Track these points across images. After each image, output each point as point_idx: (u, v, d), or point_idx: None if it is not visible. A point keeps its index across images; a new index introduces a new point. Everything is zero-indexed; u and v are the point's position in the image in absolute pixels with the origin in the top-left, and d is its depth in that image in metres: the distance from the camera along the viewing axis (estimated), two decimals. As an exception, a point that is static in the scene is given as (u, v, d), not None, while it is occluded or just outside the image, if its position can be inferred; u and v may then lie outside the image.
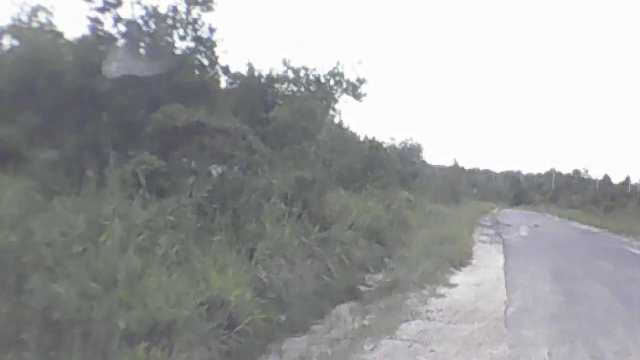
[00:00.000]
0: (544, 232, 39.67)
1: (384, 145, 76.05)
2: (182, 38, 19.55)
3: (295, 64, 30.46)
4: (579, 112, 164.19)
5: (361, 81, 30.66)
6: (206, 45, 19.36)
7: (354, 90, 30.26)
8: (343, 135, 48.44)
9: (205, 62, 19.92)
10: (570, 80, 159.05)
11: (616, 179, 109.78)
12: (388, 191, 41.92)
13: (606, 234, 43.46)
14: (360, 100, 31.05)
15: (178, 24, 19.04)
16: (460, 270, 19.89)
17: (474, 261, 22.36)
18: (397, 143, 62.95)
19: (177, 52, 19.60)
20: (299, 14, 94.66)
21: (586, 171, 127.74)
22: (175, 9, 19.24)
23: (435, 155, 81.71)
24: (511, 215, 68.24)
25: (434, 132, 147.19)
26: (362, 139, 53.25)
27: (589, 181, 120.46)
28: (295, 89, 30.17)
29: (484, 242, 30.34)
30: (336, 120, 50.14)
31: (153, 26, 18.77)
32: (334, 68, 29.95)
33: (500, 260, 23.35)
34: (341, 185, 39.20)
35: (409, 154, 69.80)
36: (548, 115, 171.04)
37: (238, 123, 15.77)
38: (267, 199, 14.96)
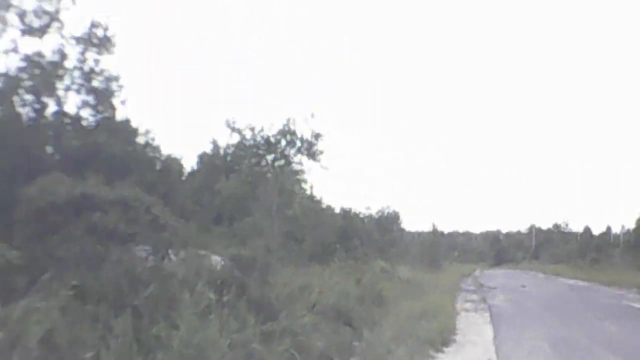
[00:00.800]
0: (532, 293, 36.47)
1: (361, 215, 73.81)
2: (69, 89, 16.06)
3: (241, 124, 27.79)
4: (556, 166, 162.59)
5: (316, 136, 27.48)
6: (103, 96, 15.98)
7: (309, 148, 27.25)
8: (315, 208, 45.97)
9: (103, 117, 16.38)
10: (544, 135, 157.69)
11: (597, 230, 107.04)
12: (360, 262, 38.89)
13: (598, 288, 40.37)
14: (316, 160, 27.94)
15: (66, 73, 15.64)
16: (442, 352, 16.52)
17: (458, 337, 19.00)
18: (373, 212, 62.22)
19: (65, 108, 16.11)
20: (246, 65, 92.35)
21: (566, 224, 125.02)
22: (62, 54, 15.80)
23: (414, 222, 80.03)
24: (494, 276, 65.11)
25: (412, 199, 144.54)
26: (337, 210, 51.39)
27: (570, 234, 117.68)
28: (242, 153, 27.43)
29: (468, 310, 27.05)
30: (307, 192, 48.05)
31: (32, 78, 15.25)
32: (285, 125, 27.02)
33: (489, 332, 20.04)
34: (315, 260, 36.69)
35: (387, 222, 67.51)
36: (525, 173, 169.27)
37: (141, 193, 12.40)
38: (191, 288, 11.68)
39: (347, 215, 49.84)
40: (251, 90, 76.31)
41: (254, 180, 25.81)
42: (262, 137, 27.65)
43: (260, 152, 27.29)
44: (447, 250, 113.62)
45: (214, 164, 31.79)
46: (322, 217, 46.52)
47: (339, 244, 45.95)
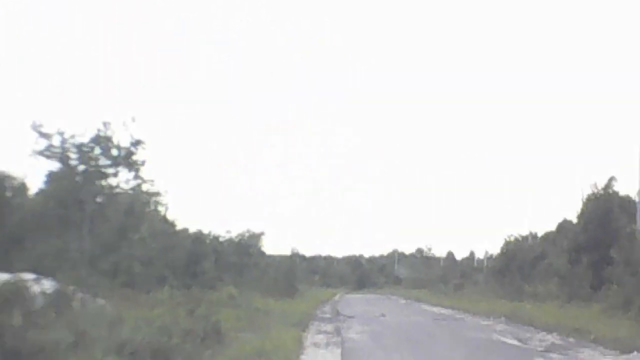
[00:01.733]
0: (392, 323, 33.17)
1: (220, 239, 70.30)
2: None
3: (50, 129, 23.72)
4: (418, 191, 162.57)
5: (136, 144, 23.29)
6: None
7: (127, 157, 23.19)
8: (168, 230, 41.88)
9: None
10: (403, 159, 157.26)
11: (460, 255, 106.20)
12: (204, 289, 34.84)
13: (463, 317, 37.52)
14: (135, 170, 23.83)
15: None
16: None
17: (298, 385, 15.28)
18: (234, 235, 61.20)
19: None
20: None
21: (429, 249, 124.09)
22: None
23: (278, 246, 75.99)
24: (354, 301, 62.03)
25: (275, 222, 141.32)
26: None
27: (433, 259, 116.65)
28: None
29: (318, 345, 23.35)
30: (161, 214, 44.20)
31: None
32: (100, 131, 22.89)
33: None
34: (164, 284, 32.50)
35: (247, 246, 64.09)
36: (387, 198, 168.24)
37: None
38: None
39: (196, 238, 45.53)
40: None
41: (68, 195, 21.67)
42: (73, 144, 23.63)
43: (72, 162, 23.23)
44: (308, 275, 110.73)
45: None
46: (175, 239, 42.68)
47: (189, 268, 42.18)
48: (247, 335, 23.04)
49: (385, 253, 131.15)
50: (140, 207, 44.60)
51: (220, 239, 68.89)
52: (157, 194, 41.81)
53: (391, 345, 23.09)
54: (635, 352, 20.67)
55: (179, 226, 46.44)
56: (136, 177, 36.12)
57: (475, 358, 19.31)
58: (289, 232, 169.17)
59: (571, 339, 25.06)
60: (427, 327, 30.63)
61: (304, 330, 27.69)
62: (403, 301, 65.31)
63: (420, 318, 36.59)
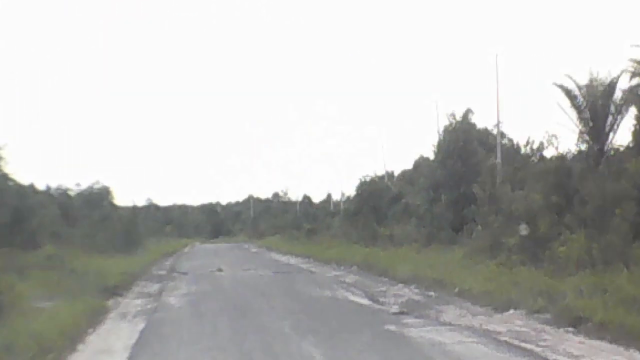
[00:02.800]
0: (226, 279, 28.34)
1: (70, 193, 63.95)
2: None
3: None
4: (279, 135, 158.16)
5: None
6: None
7: None
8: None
9: None
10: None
11: (318, 199, 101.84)
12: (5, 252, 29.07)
13: (310, 269, 32.93)
14: None
15: None
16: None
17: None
18: (83, 188, 56.83)
19: None
20: None
21: (285, 193, 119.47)
22: None
23: (134, 197, 70.44)
24: (201, 253, 57.16)
25: (130, 173, 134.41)
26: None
27: (290, 204, 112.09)
28: None
29: (123, 317, 18.33)
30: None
31: None
32: None
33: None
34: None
35: (97, 199, 58.49)
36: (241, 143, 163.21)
37: None
38: None
39: (20, 192, 38.85)
40: None
41: None
42: None
43: None
44: (160, 226, 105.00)
45: None
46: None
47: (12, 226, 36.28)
48: (48, 305, 17.90)
49: (240, 199, 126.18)
50: None
51: (70, 193, 63.26)
52: None
53: (211, 313, 18.18)
54: (512, 310, 16.40)
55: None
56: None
57: (308, 330, 14.50)
58: (144, 183, 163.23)
59: (431, 293, 20.78)
60: (265, 284, 25.76)
61: (121, 295, 22.50)
62: (254, 250, 60.92)
63: (261, 272, 31.75)
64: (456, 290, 20.01)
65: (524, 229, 22.66)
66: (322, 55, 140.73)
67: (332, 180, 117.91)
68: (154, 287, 25.34)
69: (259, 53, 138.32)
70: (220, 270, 32.69)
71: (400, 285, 23.24)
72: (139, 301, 21.17)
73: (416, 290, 21.65)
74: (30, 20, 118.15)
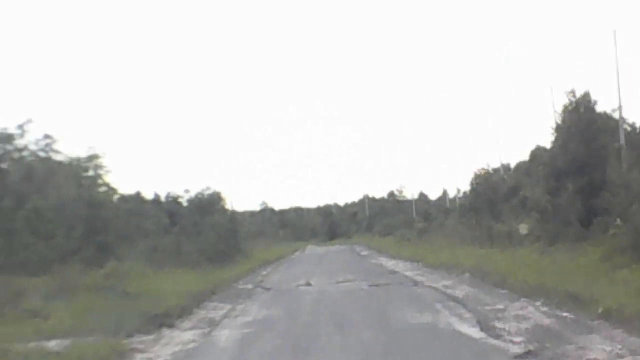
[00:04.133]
0: (310, 297, 22.95)
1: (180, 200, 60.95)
2: None
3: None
4: (387, 131, 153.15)
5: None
6: None
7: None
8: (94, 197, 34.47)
9: None
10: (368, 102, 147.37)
11: (435, 195, 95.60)
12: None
13: (414, 277, 27.17)
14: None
15: None
16: None
17: None
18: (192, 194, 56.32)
19: None
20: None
21: (400, 192, 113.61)
22: None
23: (250, 202, 68.19)
24: (306, 258, 52.16)
25: (244, 178, 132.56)
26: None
27: (405, 202, 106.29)
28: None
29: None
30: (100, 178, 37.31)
31: None
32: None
33: None
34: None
35: (208, 204, 55.11)
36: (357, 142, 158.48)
37: None
38: None
39: (91, 202, 34.57)
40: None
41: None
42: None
43: None
44: (275, 230, 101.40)
45: None
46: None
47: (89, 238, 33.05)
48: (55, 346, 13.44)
49: (356, 200, 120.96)
50: (46, 172, 35.91)
51: (180, 200, 59.92)
52: (95, 156, 36.60)
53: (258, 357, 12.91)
54: None
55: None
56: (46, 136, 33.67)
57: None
58: (260, 187, 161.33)
59: (566, 314, 14.86)
60: (351, 304, 20.01)
61: (171, 326, 17.52)
62: (365, 252, 55.47)
63: (356, 284, 26.21)
64: (600, 310, 14.08)
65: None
66: (437, 51, 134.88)
67: (448, 176, 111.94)
68: (221, 312, 20.23)
69: (375, 53, 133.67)
70: (308, 284, 27.36)
71: (523, 300, 17.41)
72: (186, 335, 16.06)
73: (544, 309, 15.80)
74: (132, 28, 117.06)
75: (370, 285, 24.92)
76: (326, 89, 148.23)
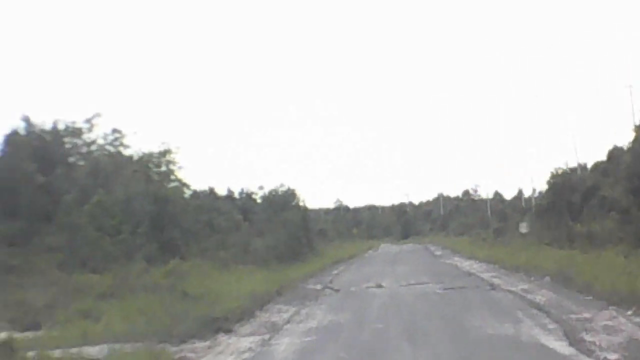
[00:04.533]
0: (381, 300, 21.64)
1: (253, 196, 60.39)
2: None
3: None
4: (463, 130, 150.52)
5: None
6: None
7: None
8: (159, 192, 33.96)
9: None
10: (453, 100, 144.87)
11: (509, 194, 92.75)
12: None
13: (491, 281, 25.56)
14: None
15: None
16: None
17: None
18: (266, 191, 56.29)
19: None
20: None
21: (475, 191, 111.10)
22: None
23: (323, 199, 66.93)
24: (378, 258, 50.77)
25: (318, 176, 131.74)
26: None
27: (480, 201, 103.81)
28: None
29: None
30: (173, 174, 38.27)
31: None
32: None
33: None
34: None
35: (282, 201, 54.90)
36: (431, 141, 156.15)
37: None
38: None
39: (158, 197, 33.76)
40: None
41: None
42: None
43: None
44: (348, 228, 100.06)
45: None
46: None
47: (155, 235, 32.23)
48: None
49: (431, 198, 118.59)
50: (113, 166, 35.30)
51: (254, 196, 59.25)
52: (168, 152, 37.23)
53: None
54: None
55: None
56: (114, 130, 34.06)
57: None
58: (335, 185, 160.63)
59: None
60: (424, 309, 18.67)
61: (229, 331, 16.36)
62: (438, 252, 53.85)
63: (430, 287, 24.75)
64: None
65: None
66: (517, 49, 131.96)
67: (523, 175, 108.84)
68: (285, 315, 19.05)
69: (457, 51, 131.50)
70: (379, 286, 25.99)
71: (611, 309, 15.82)
72: (243, 343, 14.84)
73: (637, 320, 14.24)
74: (209, 28, 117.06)
75: (445, 289, 23.48)
76: (411, 88, 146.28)
